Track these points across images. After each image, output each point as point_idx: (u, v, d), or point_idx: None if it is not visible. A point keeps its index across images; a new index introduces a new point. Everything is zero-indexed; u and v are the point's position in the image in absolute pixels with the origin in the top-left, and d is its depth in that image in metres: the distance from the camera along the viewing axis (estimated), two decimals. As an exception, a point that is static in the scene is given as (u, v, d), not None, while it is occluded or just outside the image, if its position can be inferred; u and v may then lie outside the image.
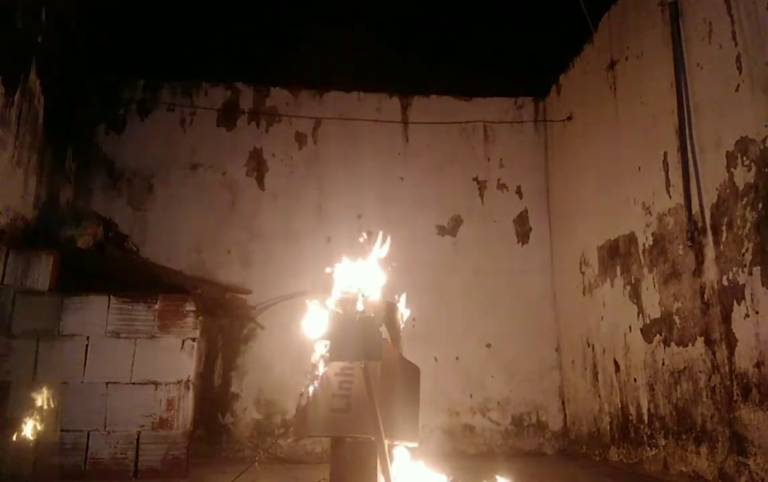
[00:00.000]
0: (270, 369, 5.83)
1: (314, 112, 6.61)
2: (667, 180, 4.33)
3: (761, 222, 3.35)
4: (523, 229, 6.60)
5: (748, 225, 3.46)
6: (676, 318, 4.18)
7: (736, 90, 3.59)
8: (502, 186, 6.68)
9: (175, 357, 4.38)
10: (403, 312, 3.25)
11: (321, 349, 2.89)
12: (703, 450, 3.82)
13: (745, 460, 3.44)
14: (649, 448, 4.47)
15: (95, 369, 4.24)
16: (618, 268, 5.05)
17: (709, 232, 3.83)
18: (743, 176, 3.51)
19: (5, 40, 4.33)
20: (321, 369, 2.82)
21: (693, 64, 4.04)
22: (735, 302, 3.56)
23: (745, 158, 3.50)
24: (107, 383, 4.24)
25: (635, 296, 4.75)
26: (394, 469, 2.69)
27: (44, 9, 4.93)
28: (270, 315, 5.89)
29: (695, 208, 3.95)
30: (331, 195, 6.43)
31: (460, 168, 6.66)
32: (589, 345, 5.57)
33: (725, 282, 3.66)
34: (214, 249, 6.12)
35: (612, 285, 5.15)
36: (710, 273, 3.82)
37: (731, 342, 3.58)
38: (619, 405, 4.95)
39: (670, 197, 4.30)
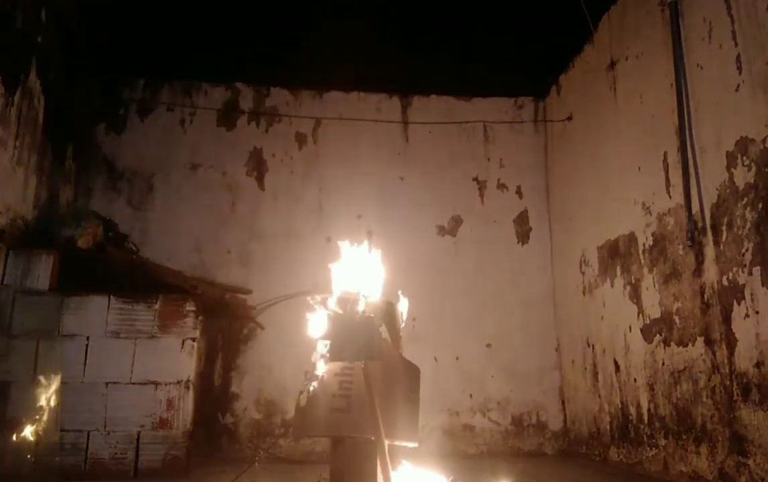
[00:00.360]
0: (270, 369, 5.84)
1: (314, 112, 6.61)
2: (667, 180, 4.33)
3: (761, 222, 3.35)
4: (523, 229, 6.60)
5: (748, 225, 3.46)
6: (676, 318, 4.18)
7: (736, 90, 3.59)
8: (502, 186, 6.68)
9: (175, 357, 4.38)
10: (403, 312, 3.25)
11: (321, 349, 2.89)
12: (703, 450, 3.82)
13: (745, 460, 3.44)
14: (649, 448, 4.47)
15: (95, 369, 4.25)
16: (618, 268, 5.05)
17: (709, 232, 3.83)
18: (743, 176, 3.51)
19: (5, 40, 4.33)
20: (321, 369, 2.81)
21: (693, 64, 4.04)
22: (735, 302, 3.56)
23: (745, 158, 3.50)
24: (107, 383, 4.24)
25: (635, 296, 4.75)
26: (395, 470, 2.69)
27: (44, 9, 4.93)
28: (270, 315, 5.89)
29: (695, 208, 3.95)
30: (331, 195, 6.43)
31: (460, 168, 6.66)
32: (589, 345, 5.57)
33: (725, 282, 3.66)
34: (214, 249, 6.12)
35: (612, 285, 5.15)
36: (710, 273, 3.82)
37: (731, 342, 3.58)
38: (619, 405, 4.95)
39: (670, 197, 4.30)
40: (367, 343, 2.77)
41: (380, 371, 2.74)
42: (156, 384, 4.30)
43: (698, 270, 3.95)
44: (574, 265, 5.93)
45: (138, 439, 4.18)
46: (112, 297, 4.40)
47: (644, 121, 4.68)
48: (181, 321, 4.45)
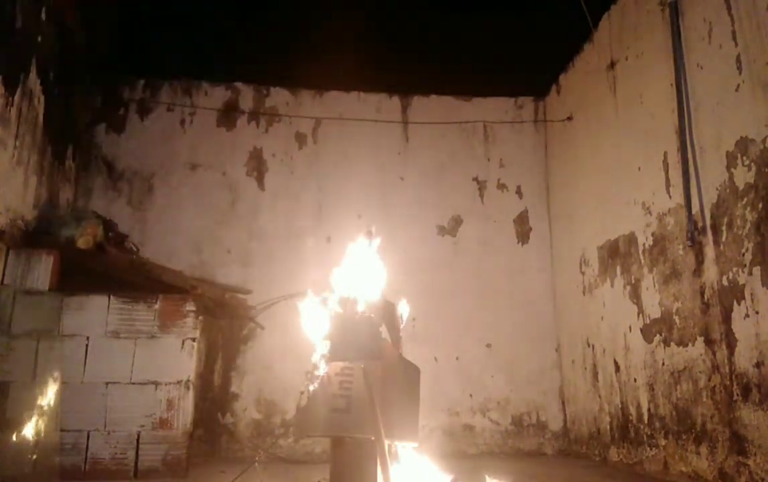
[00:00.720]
0: (270, 369, 5.84)
1: (314, 112, 6.61)
2: (667, 180, 4.33)
3: (761, 222, 3.35)
4: (523, 229, 6.60)
5: (748, 225, 3.46)
6: (676, 318, 4.18)
7: (736, 90, 3.59)
8: (502, 186, 6.68)
9: (175, 357, 4.38)
10: (403, 312, 3.25)
11: (321, 349, 2.89)
12: (703, 450, 3.82)
13: (745, 460, 3.44)
14: (649, 448, 4.47)
15: (95, 369, 4.25)
16: (618, 268, 5.05)
17: (709, 232, 3.83)
18: (743, 176, 3.51)
19: (5, 40, 4.33)
20: (321, 369, 2.82)
21: (693, 64, 4.04)
22: (735, 302, 3.56)
23: (745, 158, 3.50)
24: (107, 383, 4.24)
25: (635, 296, 4.75)
26: (398, 466, 2.69)
27: (44, 9, 4.93)
28: (270, 315, 5.90)
29: (695, 208, 3.95)
30: (331, 195, 6.43)
31: (460, 168, 6.67)
32: (589, 345, 5.57)
33: (725, 282, 3.66)
34: (214, 249, 6.12)
35: (612, 285, 5.15)
36: (710, 273, 3.82)
37: (731, 342, 3.58)
38: (619, 405, 4.95)
39: (670, 197, 4.30)
40: (367, 343, 2.77)
41: (380, 371, 2.74)
42: (156, 384, 4.30)
43: (698, 270, 3.95)
44: (574, 265, 5.93)
45: (138, 439, 4.18)
46: (112, 297, 4.40)
47: (644, 121, 4.68)
48: (181, 321, 4.45)
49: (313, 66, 6.16)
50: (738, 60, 3.59)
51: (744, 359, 3.47)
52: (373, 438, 2.63)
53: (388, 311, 3.07)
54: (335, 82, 6.59)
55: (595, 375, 5.42)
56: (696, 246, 3.95)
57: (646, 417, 4.53)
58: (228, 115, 6.50)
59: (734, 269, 3.57)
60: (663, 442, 4.29)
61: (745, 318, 3.47)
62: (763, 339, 3.30)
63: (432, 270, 6.29)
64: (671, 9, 4.22)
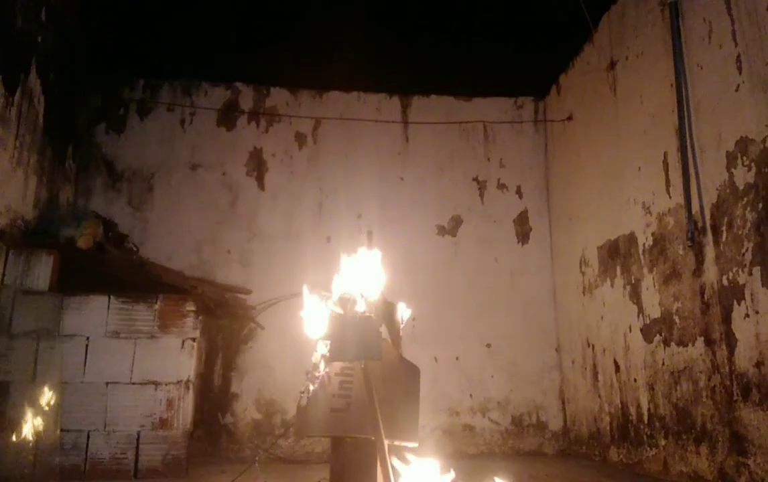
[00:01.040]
0: (270, 369, 5.84)
1: (314, 112, 6.61)
2: (667, 180, 4.33)
3: (761, 222, 3.36)
4: (523, 229, 6.61)
5: (748, 225, 3.46)
6: (676, 318, 4.18)
7: (736, 90, 3.59)
8: (502, 186, 6.68)
9: (175, 357, 4.38)
10: (403, 312, 3.25)
11: (321, 349, 2.89)
12: (703, 450, 3.82)
13: (745, 460, 3.44)
14: (649, 448, 4.47)
15: (95, 369, 4.25)
16: (618, 268, 5.05)
17: (709, 232, 3.83)
18: (743, 176, 3.51)
19: (5, 40, 4.33)
20: (321, 369, 2.81)
21: (693, 64, 4.04)
22: (735, 302, 3.56)
23: (745, 158, 3.50)
24: (107, 383, 4.25)
25: (635, 296, 4.75)
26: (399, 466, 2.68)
27: (44, 9, 4.93)
28: (270, 315, 5.89)
29: (695, 208, 3.95)
30: (331, 195, 6.43)
31: (460, 168, 6.67)
32: (589, 345, 5.57)
33: (725, 282, 3.66)
34: (214, 249, 6.12)
35: (612, 285, 5.15)
36: (710, 273, 3.82)
37: (731, 342, 3.58)
38: (619, 405, 4.95)
39: (670, 197, 4.30)
40: (367, 343, 2.77)
41: (380, 371, 2.74)
42: (156, 384, 4.30)
43: (698, 270, 3.95)
44: (574, 265, 5.93)
45: (138, 439, 4.18)
46: (112, 297, 4.40)
47: (644, 121, 4.68)
48: (181, 321, 4.45)
49: (313, 66, 6.16)
50: (738, 60, 3.59)
51: (744, 359, 3.47)
52: (373, 438, 2.63)
53: (387, 311, 3.07)
54: (335, 82, 6.59)
55: (595, 375, 5.42)
56: (696, 246, 3.96)
57: (646, 417, 4.53)
58: (228, 115, 6.50)
59: (734, 269, 3.57)
60: (663, 442, 4.29)
61: (745, 318, 3.47)
62: (763, 339, 3.30)
63: (432, 270, 6.29)
64: (671, 9, 4.22)
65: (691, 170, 3.99)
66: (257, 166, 6.44)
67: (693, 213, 3.97)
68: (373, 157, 6.58)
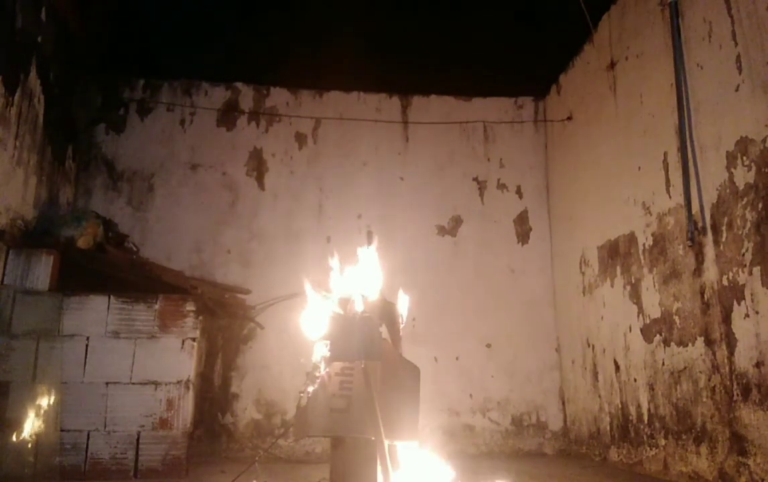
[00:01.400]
0: (270, 369, 5.84)
1: (314, 112, 6.61)
2: (667, 180, 4.33)
3: (761, 222, 3.35)
4: (523, 229, 6.61)
5: (748, 225, 3.46)
6: (676, 318, 4.18)
7: (736, 90, 3.59)
8: (502, 186, 6.68)
9: (175, 357, 4.38)
10: (403, 312, 3.25)
11: (321, 349, 2.89)
12: (703, 450, 3.82)
13: (745, 460, 3.44)
14: (649, 448, 4.47)
15: (95, 369, 4.25)
16: (618, 268, 5.05)
17: (709, 232, 3.83)
18: (743, 176, 3.51)
19: (5, 40, 4.33)
20: (321, 369, 2.81)
21: (693, 64, 4.04)
22: (735, 302, 3.56)
23: (745, 158, 3.50)
24: (107, 383, 4.25)
25: (635, 296, 4.75)
26: (403, 461, 2.68)
27: (44, 9, 4.93)
28: (270, 315, 5.89)
29: (695, 208, 3.95)
30: (331, 195, 6.43)
31: (460, 168, 6.66)
32: (589, 345, 5.57)
33: (725, 282, 3.66)
34: (214, 249, 6.12)
35: (612, 285, 5.15)
36: (710, 273, 3.82)
37: (731, 342, 3.58)
38: (619, 405, 4.95)
39: (670, 197, 4.30)
40: (367, 343, 2.77)
41: (380, 371, 2.74)
42: (156, 384, 4.31)
43: (698, 270, 3.95)
44: (574, 265, 5.93)
45: (138, 439, 4.19)
46: (112, 297, 4.40)
47: (644, 121, 4.68)
48: (181, 321, 4.45)
49: (313, 66, 6.16)
50: (738, 60, 3.59)
51: (744, 359, 3.47)
52: (373, 438, 2.63)
53: (388, 311, 3.07)
54: (335, 82, 6.59)
55: (595, 375, 5.42)
56: (696, 246, 3.96)
57: (646, 417, 4.53)
58: (228, 115, 6.50)
59: (734, 269, 3.57)
60: (663, 442, 4.29)
61: (745, 318, 3.47)
62: (763, 339, 3.30)
63: (432, 270, 6.29)
64: (671, 9, 4.22)
65: (691, 170, 3.99)
66: (257, 166, 6.44)
67: (693, 213, 3.97)
68: (373, 157, 6.59)
